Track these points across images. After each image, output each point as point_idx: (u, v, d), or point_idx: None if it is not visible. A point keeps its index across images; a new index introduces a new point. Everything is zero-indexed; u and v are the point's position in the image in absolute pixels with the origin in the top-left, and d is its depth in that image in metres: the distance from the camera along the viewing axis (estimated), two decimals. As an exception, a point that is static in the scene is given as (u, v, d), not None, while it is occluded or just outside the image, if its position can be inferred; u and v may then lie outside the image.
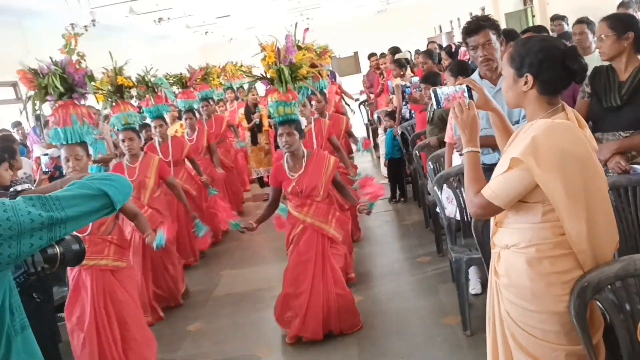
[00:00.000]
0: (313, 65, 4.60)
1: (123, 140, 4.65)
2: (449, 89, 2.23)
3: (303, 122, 4.46)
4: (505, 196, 1.88)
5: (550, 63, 1.90)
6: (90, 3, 10.50)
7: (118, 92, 4.79)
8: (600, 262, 1.88)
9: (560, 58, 1.90)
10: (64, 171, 3.47)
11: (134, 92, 5.00)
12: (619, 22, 2.96)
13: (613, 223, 1.93)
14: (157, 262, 4.70)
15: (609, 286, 1.86)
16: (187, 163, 5.93)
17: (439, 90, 2.26)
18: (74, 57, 3.47)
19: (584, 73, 1.96)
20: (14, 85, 11.50)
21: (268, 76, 3.91)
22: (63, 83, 3.36)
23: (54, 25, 11.85)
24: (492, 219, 2.11)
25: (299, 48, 4.20)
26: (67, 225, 1.50)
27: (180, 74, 7.16)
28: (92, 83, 3.56)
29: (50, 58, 3.45)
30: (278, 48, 3.85)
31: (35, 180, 5.23)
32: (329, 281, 3.66)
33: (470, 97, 2.18)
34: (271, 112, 3.86)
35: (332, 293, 3.66)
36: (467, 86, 2.17)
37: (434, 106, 2.34)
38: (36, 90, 3.40)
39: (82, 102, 3.53)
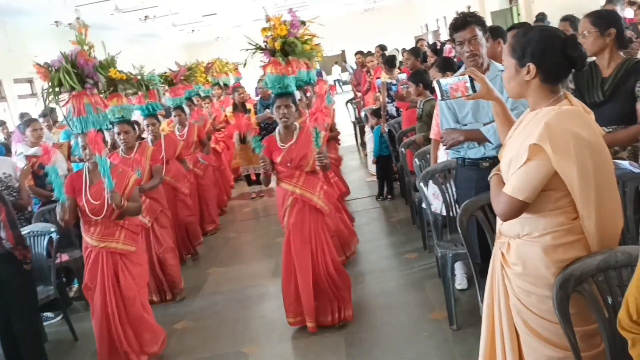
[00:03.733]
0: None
1: (118, 133, 4.61)
2: (452, 80, 2.25)
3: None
4: (527, 188, 1.88)
5: (551, 52, 1.92)
6: (75, 1, 10.42)
7: (111, 85, 4.66)
8: (605, 245, 1.91)
9: (561, 46, 1.93)
10: (83, 158, 3.71)
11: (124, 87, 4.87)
12: (601, 19, 2.99)
13: (619, 207, 1.96)
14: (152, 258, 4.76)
15: (591, 278, 1.88)
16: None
17: (442, 81, 2.28)
18: (85, 48, 3.58)
19: (584, 61, 1.98)
20: (-2, 83, 11.39)
21: (268, 47, 3.94)
22: (74, 75, 3.47)
23: (37, 23, 11.79)
24: None
25: (302, 24, 4.28)
26: None
27: (165, 72, 7.11)
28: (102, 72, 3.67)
29: (61, 52, 3.55)
30: (285, 21, 3.94)
31: (17, 180, 5.18)
32: (324, 254, 3.78)
33: (473, 87, 2.20)
34: (268, 84, 3.89)
35: (327, 265, 3.78)
36: (469, 76, 2.19)
37: (439, 97, 2.35)
38: (49, 84, 3.53)
39: (95, 91, 3.63)
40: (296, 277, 3.77)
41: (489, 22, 12.73)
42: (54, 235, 4.26)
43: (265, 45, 3.95)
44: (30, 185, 5.20)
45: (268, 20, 3.96)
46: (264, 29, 3.95)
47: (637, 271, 1.49)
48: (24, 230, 4.22)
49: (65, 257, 4.85)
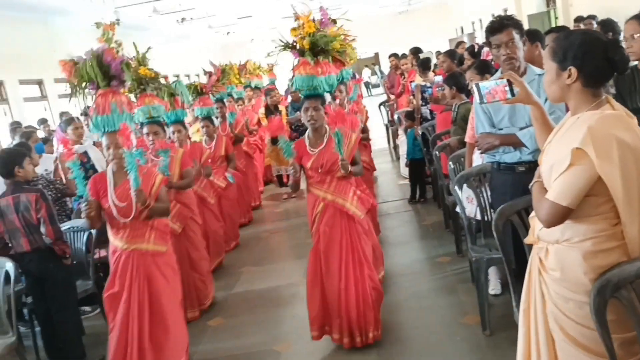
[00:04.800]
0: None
1: (147, 134, 4.51)
2: (491, 84, 2.25)
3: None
4: (570, 193, 1.86)
5: (593, 55, 1.91)
6: (115, 2, 10.66)
7: (141, 84, 4.62)
8: None
9: (603, 50, 1.91)
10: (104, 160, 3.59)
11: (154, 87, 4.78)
12: None
13: None
14: (186, 265, 4.56)
15: (629, 285, 1.86)
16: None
17: (481, 84, 2.28)
18: (112, 45, 3.48)
19: (626, 64, 1.96)
20: (40, 83, 11.73)
21: (297, 47, 3.78)
22: (100, 71, 3.36)
23: (79, 24, 12.09)
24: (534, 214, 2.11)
25: (333, 22, 4.12)
26: None
27: (194, 82, 6.83)
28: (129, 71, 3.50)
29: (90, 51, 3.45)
30: (314, 18, 3.76)
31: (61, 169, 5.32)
32: (359, 265, 3.56)
33: (512, 91, 2.20)
34: (297, 85, 3.75)
35: (363, 277, 3.55)
36: (508, 80, 2.19)
37: (477, 101, 2.35)
38: (76, 81, 3.42)
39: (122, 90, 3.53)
40: (323, 288, 3.62)
41: (526, 25, 12.54)
42: (94, 231, 4.38)
43: (295, 45, 3.79)
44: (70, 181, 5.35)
45: (297, 18, 3.80)
46: (293, 29, 3.81)
47: None
48: (64, 226, 4.35)
49: (103, 252, 4.96)
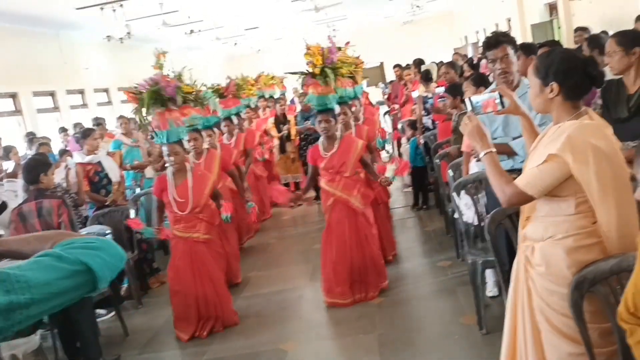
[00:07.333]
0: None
1: (189, 140, 5.05)
2: (483, 97, 2.46)
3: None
4: (540, 185, 2.07)
5: (572, 71, 2.11)
6: (126, 16, 10.89)
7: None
8: (626, 250, 2.04)
9: (582, 66, 2.12)
10: (165, 164, 4.54)
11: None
12: (626, 38, 3.14)
13: (636, 214, 2.11)
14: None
15: (605, 280, 2.04)
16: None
17: (473, 98, 2.49)
18: (165, 72, 4.26)
19: (603, 79, 2.17)
20: (52, 94, 11.98)
21: (310, 71, 4.59)
22: (159, 96, 4.18)
23: (90, 37, 12.39)
24: (521, 215, 2.32)
25: (339, 49, 4.85)
26: (29, 309, 1.12)
27: (219, 84, 7.55)
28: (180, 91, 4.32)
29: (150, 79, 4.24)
30: (323, 49, 4.58)
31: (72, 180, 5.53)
32: (361, 243, 4.43)
33: (502, 103, 2.40)
34: (311, 102, 4.61)
35: (364, 252, 4.45)
36: (498, 93, 2.40)
37: (469, 112, 2.55)
38: (138, 105, 4.24)
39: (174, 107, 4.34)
40: (332, 262, 4.42)
41: (529, 35, 12.63)
42: (109, 237, 4.58)
43: (307, 70, 4.60)
44: (85, 190, 5.56)
45: (308, 48, 4.60)
46: (306, 54, 4.59)
47: (635, 269, 1.66)
48: (82, 232, 4.55)
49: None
